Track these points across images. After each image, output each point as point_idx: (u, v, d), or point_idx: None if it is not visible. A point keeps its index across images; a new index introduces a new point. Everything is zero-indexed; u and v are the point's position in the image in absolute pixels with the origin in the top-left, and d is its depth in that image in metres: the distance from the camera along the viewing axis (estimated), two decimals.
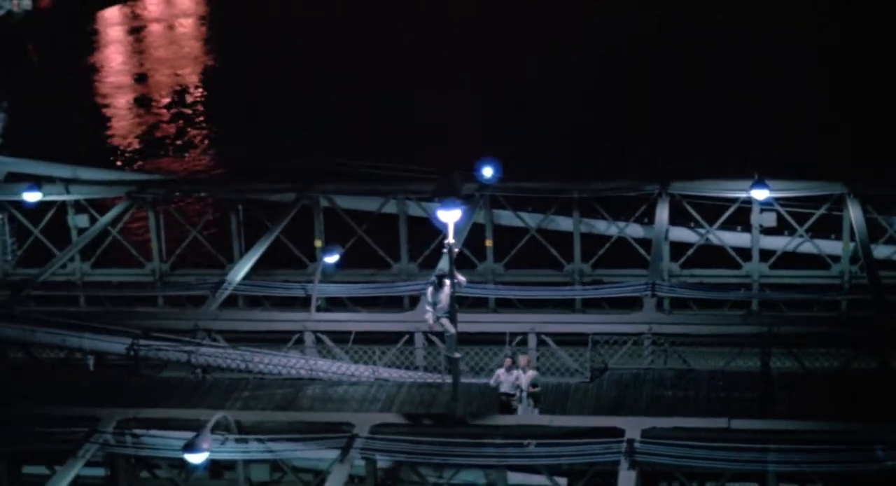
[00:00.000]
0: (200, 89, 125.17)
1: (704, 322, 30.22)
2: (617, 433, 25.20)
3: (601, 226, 37.60)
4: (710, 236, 36.89)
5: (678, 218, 36.74)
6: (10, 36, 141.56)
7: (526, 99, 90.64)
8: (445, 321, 27.12)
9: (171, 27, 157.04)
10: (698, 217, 36.74)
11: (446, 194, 26.12)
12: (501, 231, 38.37)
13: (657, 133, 69.93)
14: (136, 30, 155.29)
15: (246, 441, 26.12)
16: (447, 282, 26.56)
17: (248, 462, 27.09)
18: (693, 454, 24.48)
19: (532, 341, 29.89)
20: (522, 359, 27.36)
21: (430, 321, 28.10)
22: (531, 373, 27.31)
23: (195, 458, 24.76)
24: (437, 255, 33.67)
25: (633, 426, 25.43)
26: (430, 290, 28.19)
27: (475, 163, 36.94)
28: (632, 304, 32.12)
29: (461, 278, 27.56)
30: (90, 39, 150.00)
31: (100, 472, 27.37)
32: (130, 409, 27.22)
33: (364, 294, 33.56)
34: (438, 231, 31.23)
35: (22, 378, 30.92)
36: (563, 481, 26.45)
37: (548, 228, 37.79)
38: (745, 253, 36.70)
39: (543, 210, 37.89)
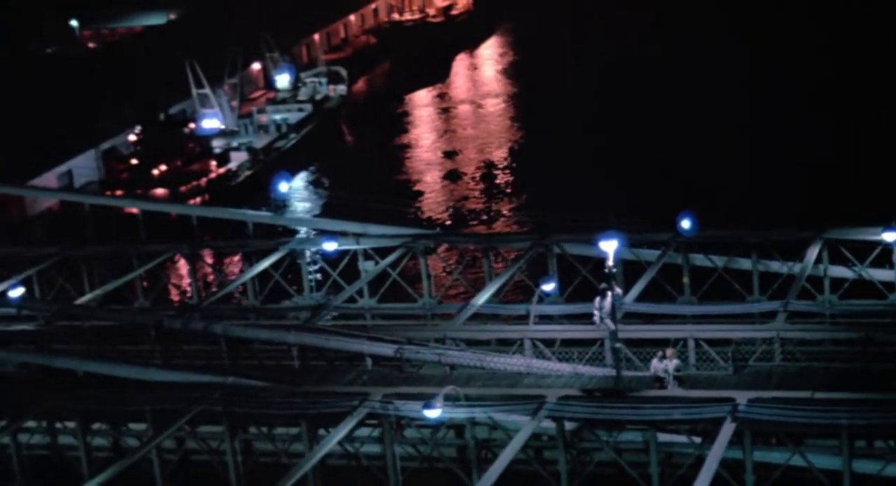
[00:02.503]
0: (507, 164, 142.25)
1: (815, 330, 42.40)
2: (730, 400, 37.80)
3: (775, 265, 49.99)
4: (862, 273, 48.73)
5: (834, 259, 48.77)
6: (327, 118, 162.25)
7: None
8: (608, 321, 40.43)
9: (478, 107, 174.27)
10: (850, 256, 48.71)
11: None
12: (696, 271, 51.26)
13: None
14: (445, 110, 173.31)
15: (470, 407, 40.06)
16: (609, 294, 39.94)
17: (473, 424, 40.94)
18: (777, 413, 36.78)
19: (691, 344, 42.75)
20: (670, 352, 40.40)
21: (597, 321, 41.57)
22: (675, 361, 40.29)
23: (430, 413, 38.90)
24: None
25: (742, 397, 37.95)
26: (597, 299, 41.65)
27: (677, 215, 50.01)
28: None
29: (618, 290, 40.83)
30: (401, 120, 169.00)
31: (365, 432, 41.80)
32: (392, 387, 41.76)
33: (566, 312, 47.12)
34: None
35: (314, 372, 46.05)
36: (698, 439, 39.05)
37: (731, 267, 50.45)
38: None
39: (728, 254, 50.62)
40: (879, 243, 47.67)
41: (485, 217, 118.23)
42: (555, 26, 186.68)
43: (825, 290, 48.73)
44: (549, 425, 39.42)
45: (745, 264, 50.26)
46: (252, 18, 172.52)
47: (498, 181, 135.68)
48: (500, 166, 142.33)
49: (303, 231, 58.41)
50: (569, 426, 39.43)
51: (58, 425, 45.95)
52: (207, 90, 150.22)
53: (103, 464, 41.98)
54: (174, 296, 64.19)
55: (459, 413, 40.09)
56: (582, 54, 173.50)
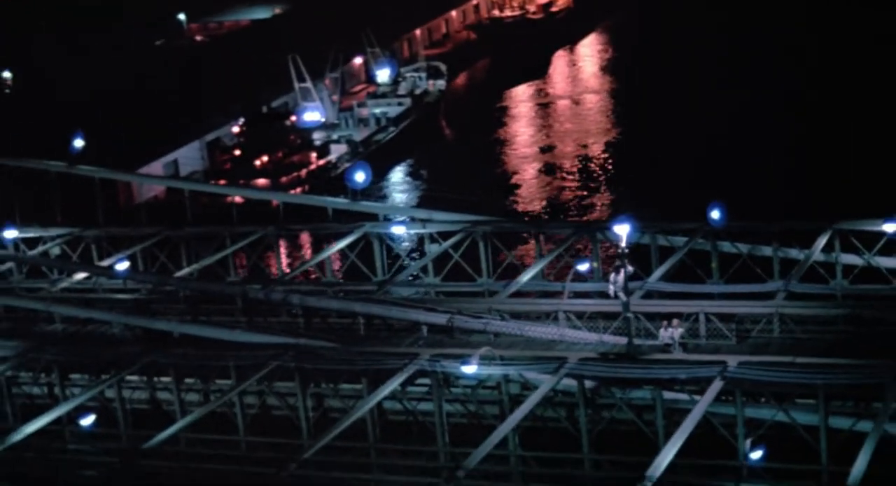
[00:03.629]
0: (603, 158, 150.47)
1: (809, 307, 50.21)
2: (722, 363, 45.78)
3: (793, 252, 57.76)
4: (870, 260, 56.37)
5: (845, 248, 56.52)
6: (426, 112, 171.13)
7: None
8: (621, 293, 48.61)
9: (576, 103, 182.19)
10: (859, 245, 56.35)
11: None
12: (723, 257, 59.20)
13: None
14: (544, 105, 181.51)
15: (504, 366, 48.49)
16: (622, 270, 48.21)
17: (507, 381, 49.35)
18: (760, 374, 44.66)
19: (702, 317, 50.76)
20: (675, 321, 48.52)
21: (611, 293, 49.85)
22: (680, 330, 48.40)
23: (467, 369, 47.41)
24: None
25: (733, 360, 45.93)
26: (612, 275, 49.97)
27: (707, 205, 57.94)
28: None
29: (630, 268, 49.05)
30: (500, 115, 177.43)
31: (419, 391, 50.44)
32: (438, 348, 50.33)
33: (597, 289, 55.36)
34: None
35: (376, 337, 54.85)
36: (699, 397, 47.02)
37: (755, 254, 58.33)
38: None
39: (752, 242, 58.53)
40: (883, 233, 55.25)
41: (578, 210, 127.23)
42: (654, 24, 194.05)
43: (837, 275, 56.48)
44: (571, 382, 47.70)
45: (766, 250, 58.08)
46: (355, 13, 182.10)
47: (593, 175, 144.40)
48: (597, 161, 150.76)
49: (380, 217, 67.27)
50: (588, 384, 47.70)
51: (155, 379, 55.36)
52: (309, 84, 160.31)
53: None
54: (259, 271, 73.36)
55: (495, 371, 48.52)
56: (680, 52, 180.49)
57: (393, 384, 48.69)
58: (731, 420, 45.94)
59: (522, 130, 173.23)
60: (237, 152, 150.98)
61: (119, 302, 61.37)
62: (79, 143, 69.39)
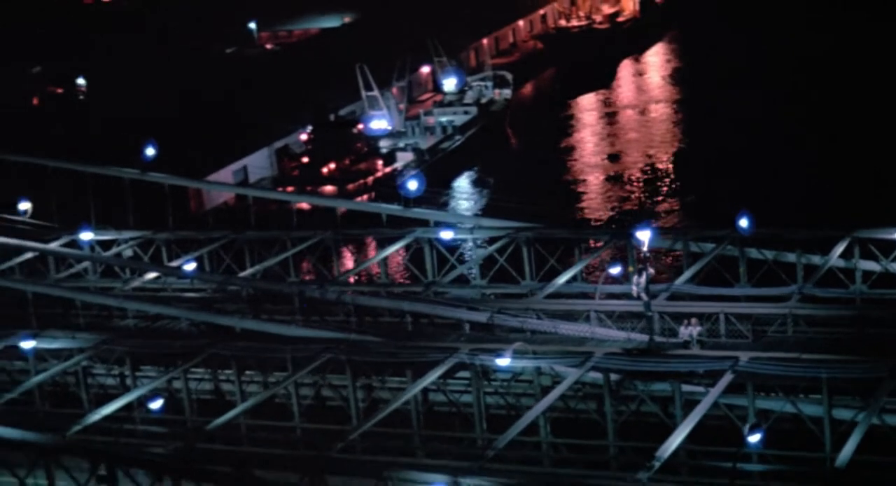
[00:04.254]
0: (670, 168, 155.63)
1: (820, 308, 55.41)
2: (734, 358, 51.08)
3: (815, 258, 62.91)
4: (888, 267, 61.40)
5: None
6: (491, 121, 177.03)
7: None
8: (643, 294, 54.05)
9: (642, 112, 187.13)
10: (877, 253, 61.40)
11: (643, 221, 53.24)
12: (750, 262, 64.46)
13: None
14: (609, 114, 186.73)
15: (536, 359, 54.08)
16: (644, 273, 53.68)
17: (539, 373, 54.92)
18: (768, 368, 49.89)
19: (722, 318, 56.10)
20: (694, 320, 53.92)
21: (634, 294, 55.28)
22: (698, 329, 53.80)
23: (501, 362, 53.06)
24: None
25: (745, 356, 51.19)
26: (635, 277, 55.43)
27: (736, 214, 63.25)
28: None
29: (651, 270, 54.51)
30: (565, 124, 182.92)
31: (460, 385, 56.19)
32: (478, 343, 56.02)
33: (625, 291, 60.84)
34: None
35: (422, 333, 60.66)
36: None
37: (779, 260, 63.53)
38: None
39: (776, 248, 63.73)
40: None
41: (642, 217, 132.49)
42: (720, 35, 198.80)
43: (857, 280, 61.62)
44: (598, 375, 53.18)
45: (791, 257, 63.31)
46: (424, 22, 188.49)
47: (658, 184, 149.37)
48: (662, 170, 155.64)
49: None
50: (613, 378, 53.19)
51: (218, 371, 61.48)
52: (376, 93, 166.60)
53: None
54: (317, 272, 79.52)
55: (528, 364, 54.10)
56: (746, 61, 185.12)
57: (434, 375, 54.35)
58: (744, 412, 51.22)
59: (588, 138, 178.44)
60: (305, 159, 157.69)
61: (186, 300, 67.67)
62: (150, 151, 75.68)
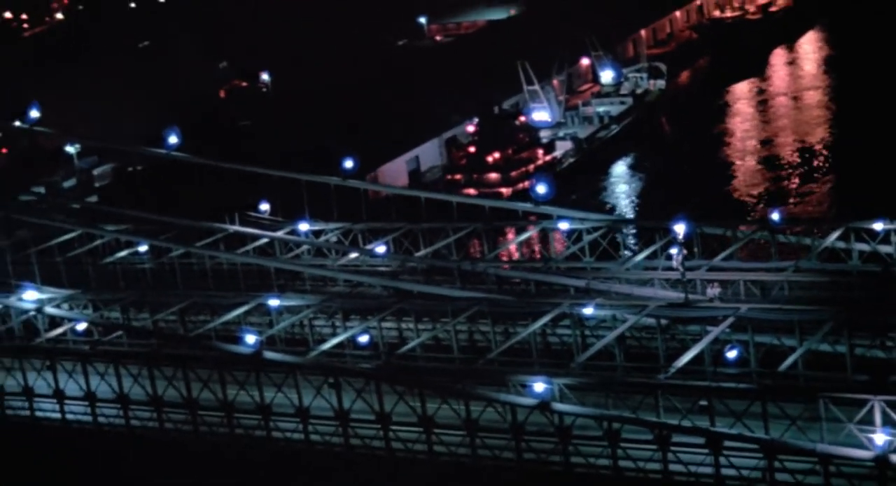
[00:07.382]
0: (822, 152, 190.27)
1: (806, 276, 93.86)
2: (737, 308, 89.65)
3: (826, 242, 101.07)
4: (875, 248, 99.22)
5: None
6: (646, 110, 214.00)
7: None
8: (680, 266, 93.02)
9: (795, 98, 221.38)
10: (868, 240, 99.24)
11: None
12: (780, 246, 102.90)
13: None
14: (762, 102, 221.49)
15: (611, 309, 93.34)
16: (680, 252, 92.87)
17: (614, 319, 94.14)
18: (757, 314, 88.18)
19: (741, 283, 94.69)
20: (715, 284, 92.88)
21: (675, 265, 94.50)
22: (718, 290, 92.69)
23: (586, 311, 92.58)
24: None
25: (744, 307, 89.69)
26: (674, 252, 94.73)
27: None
28: None
29: (685, 250, 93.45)
30: (719, 111, 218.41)
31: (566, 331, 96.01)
32: (575, 300, 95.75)
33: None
34: None
35: (542, 294, 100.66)
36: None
37: (801, 243, 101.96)
38: None
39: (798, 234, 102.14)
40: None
41: (793, 200, 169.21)
42: (871, 23, 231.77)
43: (853, 257, 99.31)
44: (650, 321, 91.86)
45: (807, 241, 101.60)
46: (586, 14, 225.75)
47: (809, 168, 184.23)
48: (813, 154, 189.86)
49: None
50: (663, 322, 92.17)
51: (402, 320, 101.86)
52: (537, 87, 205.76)
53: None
54: (470, 253, 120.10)
55: (605, 313, 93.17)
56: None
57: (544, 320, 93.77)
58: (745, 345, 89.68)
59: (740, 125, 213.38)
60: (472, 149, 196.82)
61: (378, 272, 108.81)
62: (349, 164, 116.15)
